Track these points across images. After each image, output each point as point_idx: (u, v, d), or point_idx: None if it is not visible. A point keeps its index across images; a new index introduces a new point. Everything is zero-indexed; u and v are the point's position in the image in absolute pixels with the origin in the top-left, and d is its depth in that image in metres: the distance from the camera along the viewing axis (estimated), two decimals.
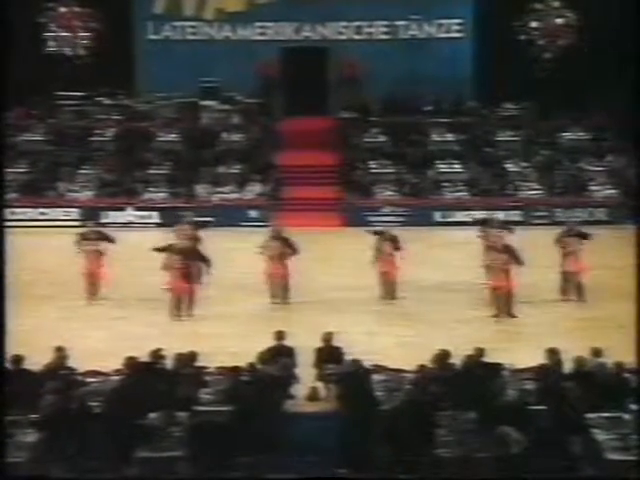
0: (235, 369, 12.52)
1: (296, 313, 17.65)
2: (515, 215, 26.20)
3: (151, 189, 27.42)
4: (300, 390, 12.98)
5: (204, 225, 21.78)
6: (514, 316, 17.39)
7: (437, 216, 26.49)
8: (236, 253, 20.92)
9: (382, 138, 29.09)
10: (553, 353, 12.65)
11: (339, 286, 19.42)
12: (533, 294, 18.62)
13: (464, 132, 29.11)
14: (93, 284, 18.64)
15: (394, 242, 18.62)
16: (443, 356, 12.61)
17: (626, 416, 11.62)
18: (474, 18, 29.76)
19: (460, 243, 21.55)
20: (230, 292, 18.95)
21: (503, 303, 17.43)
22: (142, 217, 26.42)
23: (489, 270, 17.89)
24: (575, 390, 11.79)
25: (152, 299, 18.27)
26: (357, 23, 30.28)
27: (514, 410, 11.39)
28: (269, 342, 13.52)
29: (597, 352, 12.79)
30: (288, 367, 12.89)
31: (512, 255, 17.54)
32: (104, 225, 23.64)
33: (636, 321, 10.14)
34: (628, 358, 11.46)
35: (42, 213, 26.12)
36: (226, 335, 16.29)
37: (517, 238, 18.98)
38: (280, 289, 18.34)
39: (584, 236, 18.66)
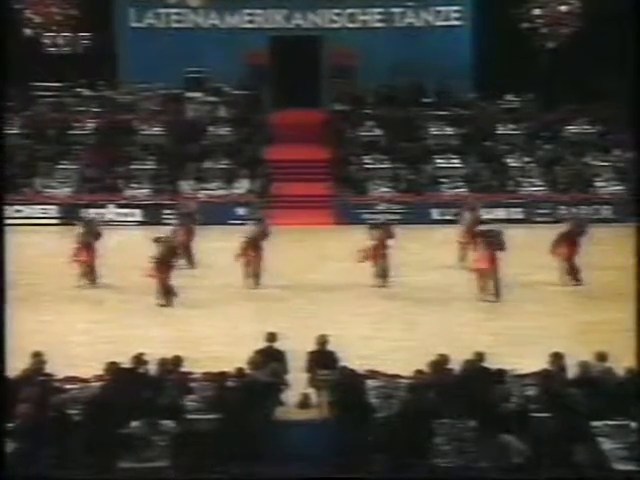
0: (222, 375, 12.52)
1: (286, 315, 17.65)
2: (517, 212, 26.28)
3: (133, 185, 27.39)
4: (291, 397, 12.98)
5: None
6: (498, 298, 18.30)
7: (435, 214, 26.52)
8: (223, 253, 20.92)
9: (377, 131, 29.11)
10: (556, 358, 12.68)
11: (331, 287, 19.44)
12: (536, 295, 18.68)
13: (463, 125, 29.14)
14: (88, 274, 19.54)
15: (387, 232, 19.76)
16: (441, 361, 12.62)
17: (633, 424, 11.64)
18: (474, 5, 29.81)
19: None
20: (215, 293, 18.98)
21: (489, 285, 18.35)
22: (124, 215, 26.39)
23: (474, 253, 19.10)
24: (579, 396, 11.82)
25: (134, 301, 18.30)
26: (351, 10, 30.30)
27: (516, 418, 11.42)
28: (258, 344, 13.51)
29: (602, 356, 12.82)
30: (278, 372, 12.90)
31: (496, 239, 18.45)
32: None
33: (636, 323, 10.17)
34: (635, 363, 11.47)
35: (17, 210, 26.03)
36: (211, 337, 16.29)
37: (519, 236, 19.08)
38: (253, 272, 19.47)
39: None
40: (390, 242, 19.60)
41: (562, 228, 20.13)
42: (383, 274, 19.54)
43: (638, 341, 10.14)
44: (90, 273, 19.64)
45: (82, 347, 15.74)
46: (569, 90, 28.22)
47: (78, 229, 20.16)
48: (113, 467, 11.01)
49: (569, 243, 19.59)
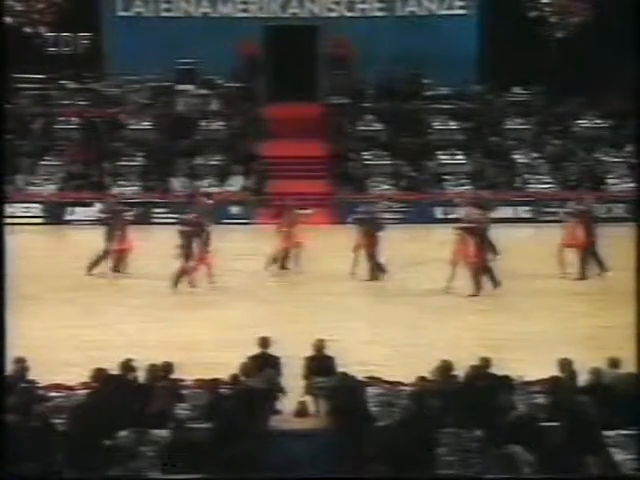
0: (215, 382, 12.54)
1: (281, 319, 17.69)
2: (524, 211, 26.33)
3: (121, 182, 27.42)
4: (287, 405, 13.01)
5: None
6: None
7: (438, 212, 26.57)
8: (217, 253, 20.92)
9: (377, 126, 29.16)
10: (566, 364, 12.70)
11: (329, 290, 19.49)
12: (544, 299, 18.71)
13: (468, 119, 29.21)
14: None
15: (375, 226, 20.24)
16: (445, 367, 12.64)
17: None
18: None
19: None
20: (209, 296, 19.03)
21: (478, 277, 18.83)
22: None
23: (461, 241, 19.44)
24: (590, 405, 11.84)
25: (122, 304, 18.34)
26: None
27: (523, 427, 11.44)
28: (252, 350, 13.54)
29: (615, 363, 12.84)
30: (273, 379, 12.91)
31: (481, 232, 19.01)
32: (69, 222, 23.62)
33: (636, 324, 10.20)
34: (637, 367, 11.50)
35: None
36: (204, 342, 16.33)
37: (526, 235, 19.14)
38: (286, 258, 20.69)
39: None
40: (379, 237, 19.77)
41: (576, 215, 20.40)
42: (376, 271, 19.69)
43: (639, 344, 10.17)
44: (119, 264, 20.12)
45: (67, 352, 15.74)
46: (579, 82, 28.28)
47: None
48: (99, 479, 11.03)
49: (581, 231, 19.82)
